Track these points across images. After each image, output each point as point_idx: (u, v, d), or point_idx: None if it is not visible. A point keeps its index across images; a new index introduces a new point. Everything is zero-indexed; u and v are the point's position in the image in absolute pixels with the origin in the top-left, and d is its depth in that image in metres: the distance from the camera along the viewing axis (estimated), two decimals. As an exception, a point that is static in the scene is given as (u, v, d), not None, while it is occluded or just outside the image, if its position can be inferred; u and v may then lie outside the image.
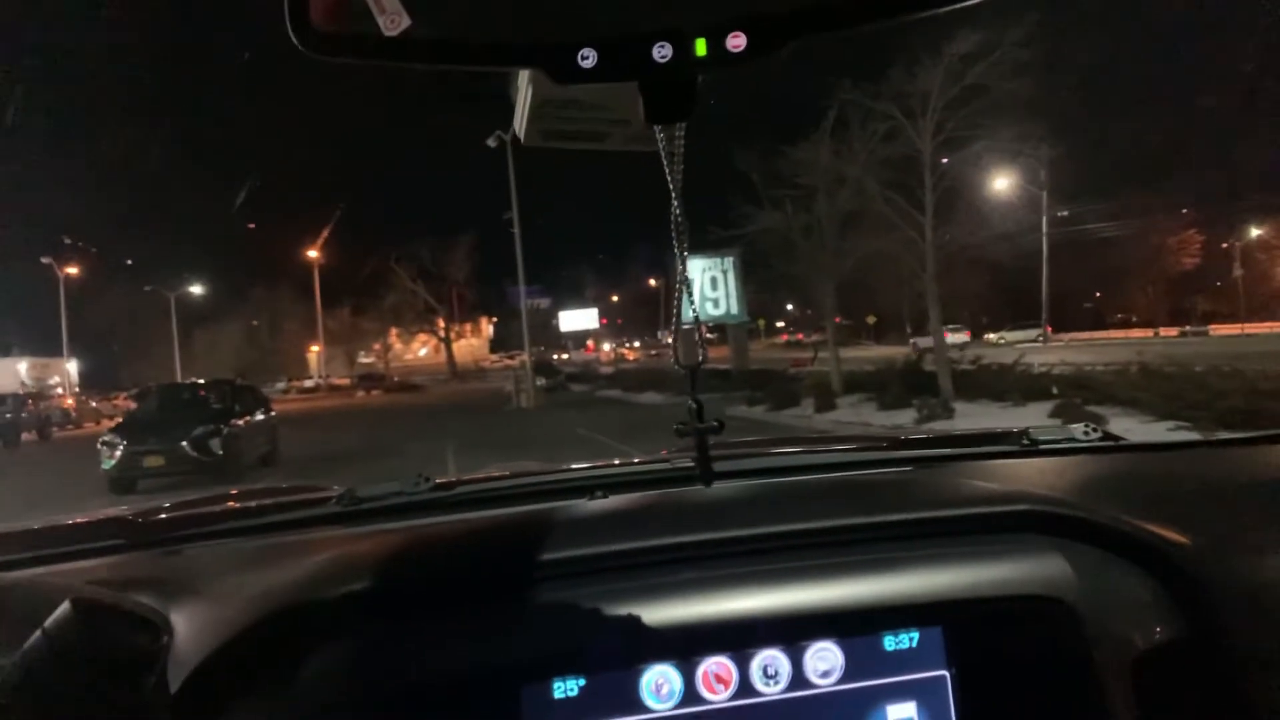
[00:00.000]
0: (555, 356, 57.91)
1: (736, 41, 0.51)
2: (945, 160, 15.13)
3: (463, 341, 68.40)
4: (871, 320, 48.90)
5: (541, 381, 30.94)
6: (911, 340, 46.60)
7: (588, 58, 0.51)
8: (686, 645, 0.80)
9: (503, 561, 0.86)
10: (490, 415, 22.81)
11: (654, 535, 0.86)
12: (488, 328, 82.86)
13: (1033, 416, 11.51)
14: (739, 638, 0.81)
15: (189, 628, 0.76)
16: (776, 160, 17.74)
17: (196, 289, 53.36)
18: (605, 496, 1.11)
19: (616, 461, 1.41)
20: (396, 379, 53.15)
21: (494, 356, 75.07)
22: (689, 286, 0.76)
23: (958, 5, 0.54)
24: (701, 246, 26.87)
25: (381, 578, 0.82)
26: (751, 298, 28.56)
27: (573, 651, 0.79)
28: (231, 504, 1.45)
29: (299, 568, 0.86)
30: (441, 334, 61.34)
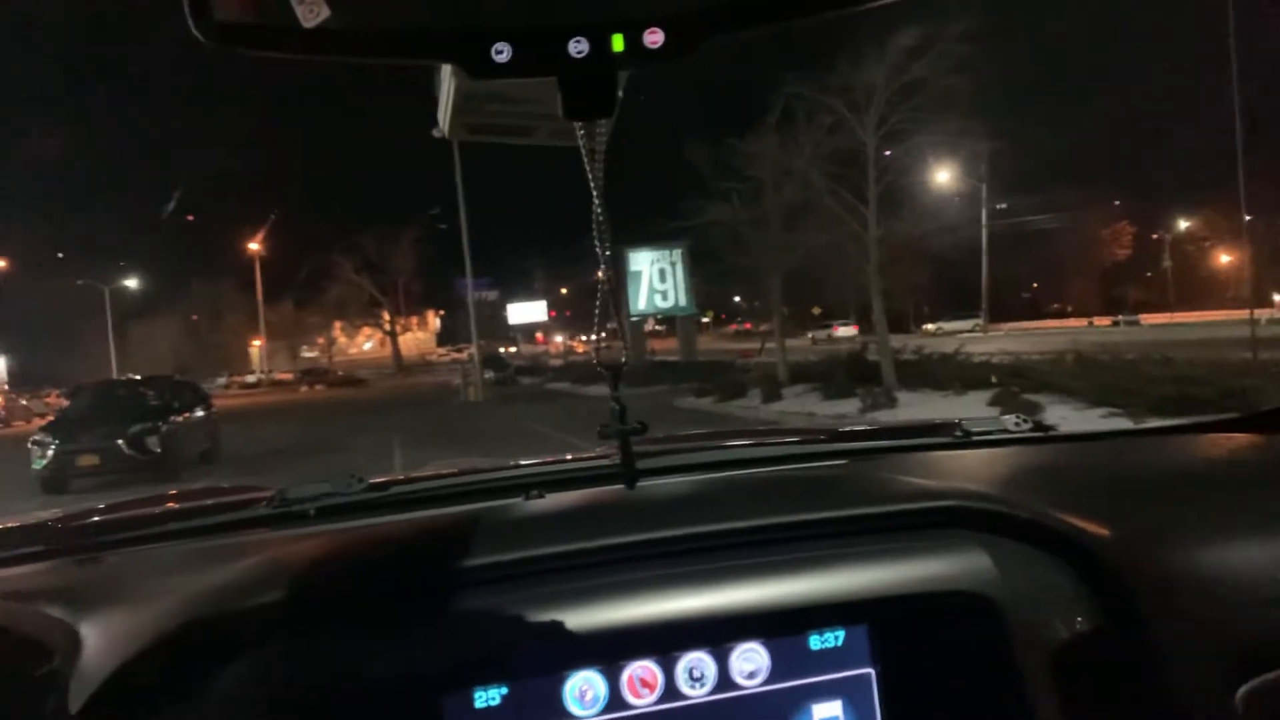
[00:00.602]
0: (502, 350, 57.36)
1: (654, 38, 0.51)
2: (889, 153, 15.36)
3: (409, 335, 67.58)
4: (817, 311, 49.35)
5: (490, 375, 30.70)
6: (810, 334, 46.57)
7: (502, 52, 0.50)
8: (612, 649, 0.79)
9: (426, 567, 0.84)
10: (438, 409, 22.57)
11: (580, 539, 0.85)
12: (434, 321, 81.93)
13: (972, 405, 11.77)
14: (665, 641, 0.80)
15: (101, 640, 0.73)
16: (725, 153, 17.84)
17: (132, 283, 51.78)
18: (541, 496, 1.10)
19: (567, 456, 1.39)
20: (341, 373, 52.29)
21: (441, 350, 74.21)
22: (615, 287, 0.75)
23: (873, 4, 0.54)
24: (650, 238, 26.96)
25: (303, 585, 0.80)
26: (700, 289, 28.70)
27: (496, 659, 0.77)
28: (159, 507, 1.40)
29: (220, 574, 0.83)
30: (387, 327, 60.51)
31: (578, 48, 0.50)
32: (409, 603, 0.79)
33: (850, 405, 13.80)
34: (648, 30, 0.51)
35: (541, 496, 1.10)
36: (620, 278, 29.20)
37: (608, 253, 0.70)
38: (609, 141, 0.70)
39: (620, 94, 0.65)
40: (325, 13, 0.49)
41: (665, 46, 0.51)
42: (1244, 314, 17.12)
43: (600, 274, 0.74)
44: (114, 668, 0.69)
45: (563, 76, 0.54)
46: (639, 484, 1.02)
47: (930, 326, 46.85)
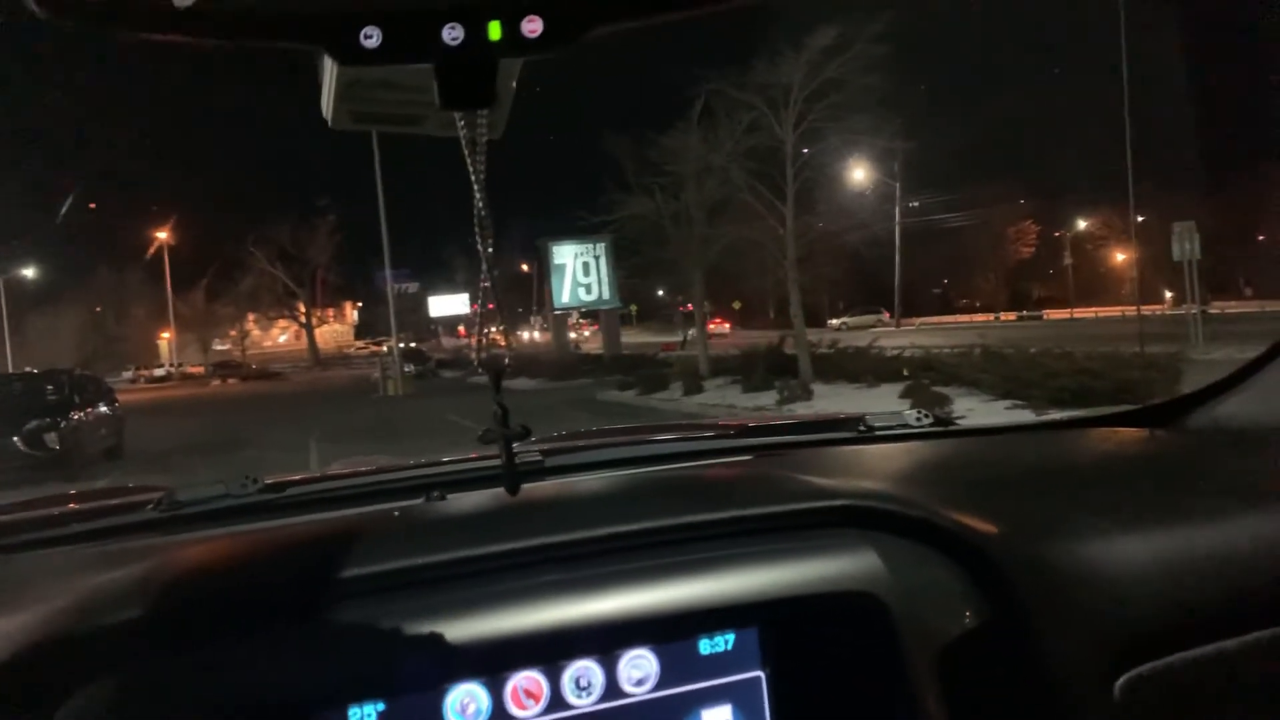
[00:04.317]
0: (416, 344, 56.11)
1: (533, 26, 0.49)
2: (806, 150, 15.67)
3: (326, 327, 65.86)
4: (737, 305, 49.72)
5: (410, 368, 30.10)
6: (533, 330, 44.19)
7: (371, 37, 0.47)
8: (495, 660, 0.76)
9: (305, 576, 0.80)
10: (357, 403, 22.04)
11: (466, 546, 0.82)
12: (352, 313, 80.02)
13: (885, 396, 12.09)
14: (551, 649, 0.78)
15: None
16: (646, 147, 17.95)
17: (29, 272, 49.00)
18: (442, 497, 1.07)
19: (472, 454, 1.36)
20: (255, 367, 50.64)
21: (360, 343, 72.50)
22: (494, 286, 0.73)
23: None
24: (571, 231, 26.86)
25: (175, 596, 0.75)
26: (624, 283, 28.72)
27: (373, 674, 0.74)
28: (40, 510, 1.32)
29: (88, 585, 0.77)
30: (302, 319, 58.78)
31: (452, 34, 0.48)
32: (284, 615, 0.75)
33: (769, 398, 14.03)
34: (526, 18, 0.49)
35: (443, 498, 1.07)
36: (544, 270, 28.99)
37: (490, 249, 0.67)
38: (504, 132, 0.67)
39: (513, 85, 0.64)
40: None
41: (545, 36, 0.49)
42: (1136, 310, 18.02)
43: (483, 272, 0.72)
44: None
45: (438, 64, 0.52)
46: (531, 486, 0.99)
47: (835, 322, 45.99)
